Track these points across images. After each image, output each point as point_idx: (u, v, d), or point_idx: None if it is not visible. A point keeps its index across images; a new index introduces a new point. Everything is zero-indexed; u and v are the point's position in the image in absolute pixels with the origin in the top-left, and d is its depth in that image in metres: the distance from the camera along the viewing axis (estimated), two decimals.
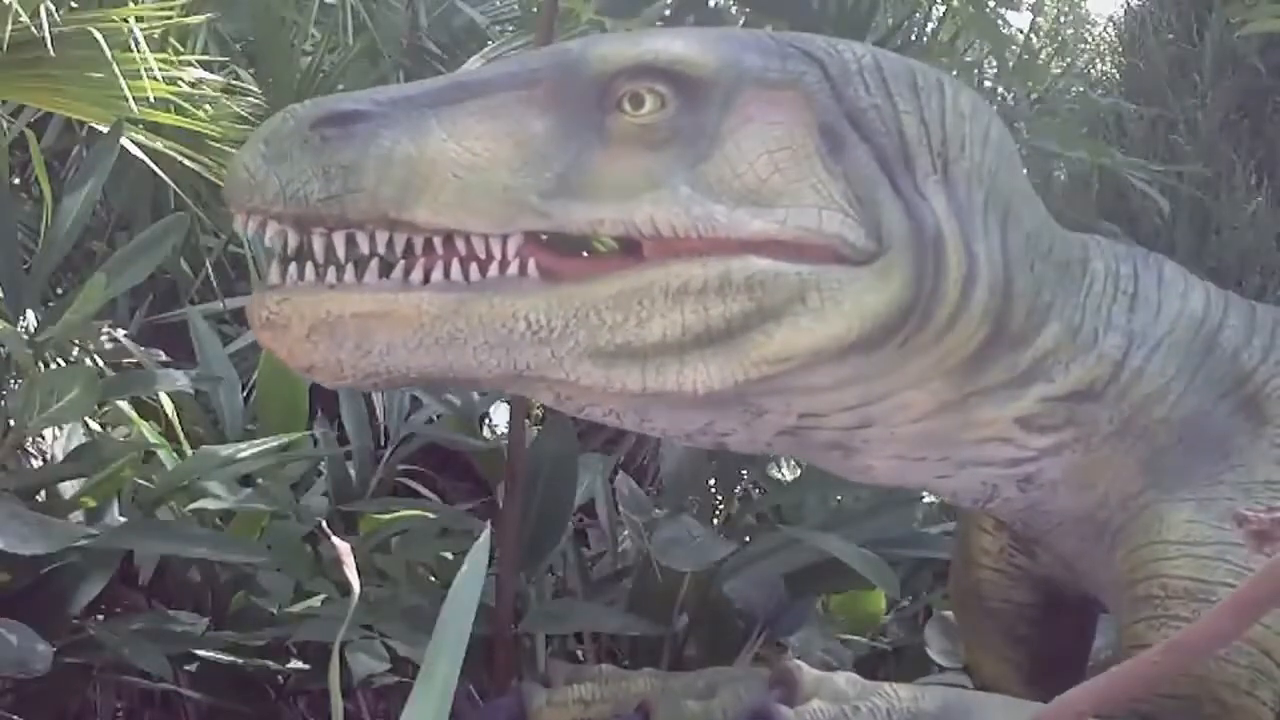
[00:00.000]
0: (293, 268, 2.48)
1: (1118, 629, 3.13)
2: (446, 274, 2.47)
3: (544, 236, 2.51)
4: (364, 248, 2.45)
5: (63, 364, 4.26)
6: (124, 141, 4.84)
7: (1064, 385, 2.91)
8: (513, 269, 2.48)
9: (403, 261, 2.47)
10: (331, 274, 2.46)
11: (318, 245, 2.45)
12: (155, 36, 5.45)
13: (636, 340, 2.51)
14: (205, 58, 6.07)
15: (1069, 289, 2.94)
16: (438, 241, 2.47)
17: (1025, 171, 3.22)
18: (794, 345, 2.55)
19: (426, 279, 2.47)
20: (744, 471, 4.95)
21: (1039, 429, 2.92)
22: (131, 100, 4.77)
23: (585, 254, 2.61)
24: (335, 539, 2.04)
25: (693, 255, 2.51)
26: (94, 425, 4.25)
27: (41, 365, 4.03)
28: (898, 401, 2.77)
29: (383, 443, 4.83)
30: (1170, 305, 3.09)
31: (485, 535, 1.90)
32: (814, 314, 2.55)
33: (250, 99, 5.94)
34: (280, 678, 4.15)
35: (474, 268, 2.47)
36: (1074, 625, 3.60)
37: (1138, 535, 2.99)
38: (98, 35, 4.75)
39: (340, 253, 2.45)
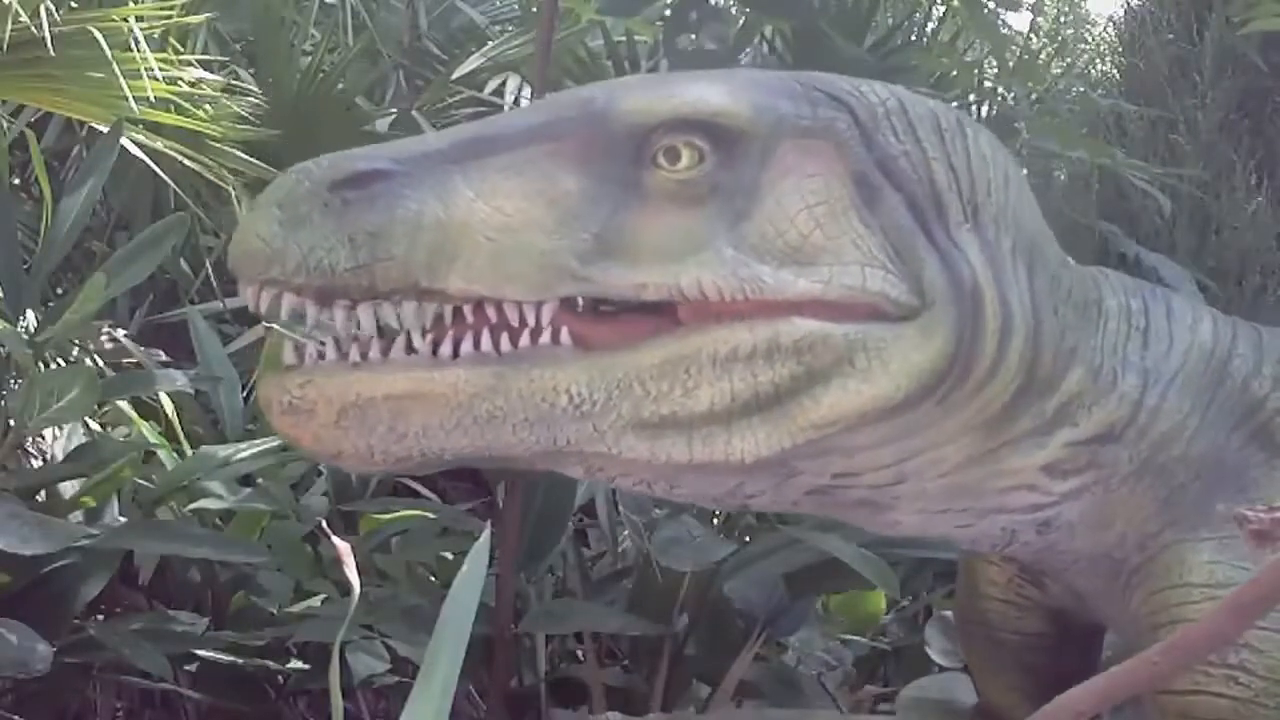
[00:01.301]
0: (312, 346, 2.32)
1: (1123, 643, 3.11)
2: (476, 345, 2.31)
3: (579, 301, 2.37)
4: (391, 320, 2.29)
5: (63, 364, 4.27)
6: (124, 141, 4.84)
7: (1087, 429, 2.84)
8: (545, 337, 2.33)
9: (430, 334, 2.31)
10: (355, 351, 2.30)
11: (340, 319, 2.27)
12: (155, 36, 5.45)
13: (683, 410, 2.38)
14: (205, 57, 6.08)
15: (1087, 330, 2.88)
16: (468, 310, 2.31)
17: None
18: (842, 409, 2.45)
19: (455, 352, 2.32)
20: None
21: (1062, 474, 2.85)
22: (131, 100, 4.78)
23: (604, 310, 2.42)
24: (335, 539, 2.03)
25: (733, 317, 2.40)
26: (94, 425, 4.25)
27: (41, 365, 4.03)
28: (932, 457, 2.68)
29: None
30: (1181, 339, 3.04)
31: (485, 535, 1.89)
32: (861, 375, 2.45)
33: (250, 99, 5.94)
34: (280, 678, 4.15)
35: (505, 337, 2.32)
36: (1083, 651, 3.58)
37: (1158, 577, 2.94)
38: (98, 35, 4.75)
39: (368, 327, 2.28)
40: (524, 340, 2.32)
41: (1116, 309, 2.96)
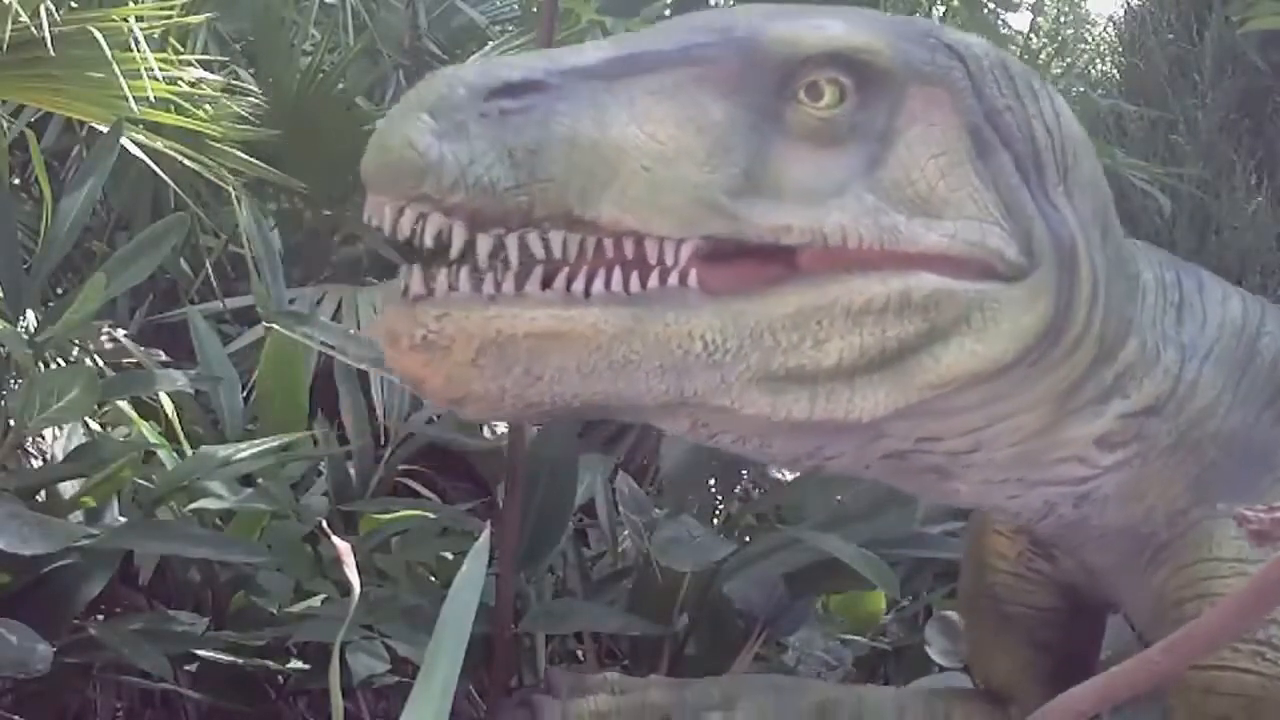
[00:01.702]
0: (443, 277, 2.14)
1: (1136, 635, 3.11)
2: (607, 285, 2.19)
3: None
4: (538, 251, 2.14)
5: (63, 364, 4.27)
6: (124, 141, 4.84)
7: (1138, 401, 2.85)
8: (674, 279, 2.22)
9: (566, 269, 2.18)
10: (490, 284, 2.14)
11: (485, 248, 2.11)
12: (155, 36, 5.45)
13: (810, 364, 2.30)
14: (205, 57, 6.07)
15: (1134, 302, 2.88)
16: (608, 245, 2.19)
17: None
18: (958, 369, 2.42)
19: (586, 291, 2.18)
20: (744, 471, 4.94)
21: (1111, 446, 2.85)
22: (131, 100, 4.77)
23: (723, 253, 2.32)
24: (335, 539, 2.03)
25: (860, 268, 2.34)
26: (94, 425, 4.25)
27: (41, 365, 4.03)
28: (1011, 425, 2.67)
29: (383, 442, 4.83)
30: (1214, 314, 3.04)
31: (485, 535, 1.89)
32: (976, 335, 2.42)
33: (250, 99, 5.94)
34: (280, 678, 4.15)
35: (635, 277, 2.21)
36: (1089, 628, 3.57)
37: (1186, 553, 2.94)
38: (98, 35, 4.75)
39: (513, 259, 2.13)
40: (653, 281, 2.22)
41: (1153, 282, 2.96)
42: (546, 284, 2.17)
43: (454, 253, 2.10)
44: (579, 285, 2.17)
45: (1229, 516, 2.89)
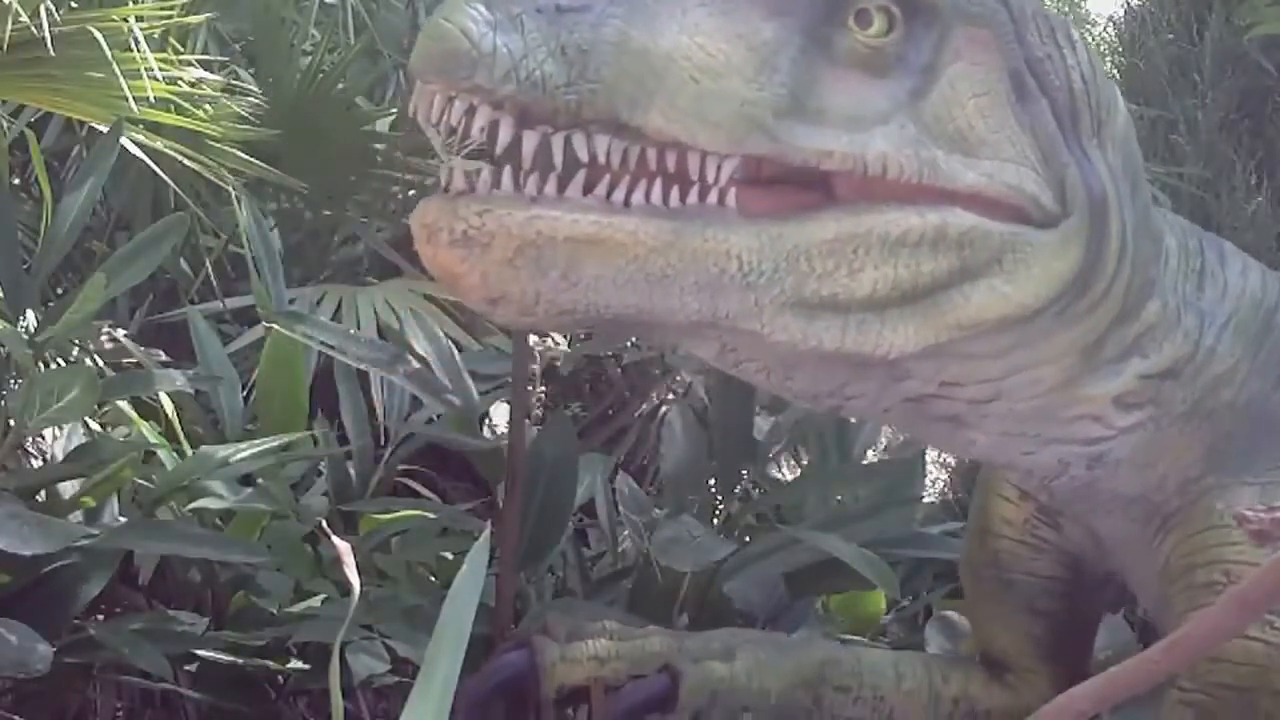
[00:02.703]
0: (486, 173, 2.14)
1: (1136, 635, 3.11)
2: (647, 197, 2.19)
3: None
4: (582, 154, 2.12)
5: (63, 364, 4.27)
6: (124, 141, 4.84)
7: (1157, 363, 2.87)
8: (713, 197, 2.22)
9: (608, 177, 2.17)
10: (533, 184, 2.13)
11: (531, 145, 2.09)
12: (155, 36, 5.45)
13: (844, 293, 2.31)
14: (205, 57, 6.08)
15: (1158, 264, 2.89)
16: (651, 156, 2.18)
17: None
18: (987, 310, 2.44)
19: (627, 201, 2.18)
20: (744, 471, 4.94)
21: (1127, 407, 2.87)
22: (131, 100, 4.77)
23: (759, 178, 2.32)
24: (335, 539, 2.03)
25: (897, 200, 2.35)
26: (94, 425, 4.25)
27: (41, 365, 4.03)
28: (1032, 376, 2.68)
29: (383, 442, 4.82)
30: (1234, 284, 3.06)
31: (485, 535, 1.89)
32: (1007, 277, 2.43)
33: (250, 99, 5.94)
34: (280, 678, 4.14)
35: (675, 192, 2.21)
36: (1092, 600, 3.57)
37: (1197, 519, 2.96)
38: (98, 35, 4.75)
39: (558, 159, 2.12)
40: (693, 197, 2.21)
41: (1177, 248, 2.98)
42: (587, 191, 2.16)
43: (500, 147, 2.09)
44: (619, 195, 2.17)
45: (1241, 484, 2.92)
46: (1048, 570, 3.48)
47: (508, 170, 2.13)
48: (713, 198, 2.21)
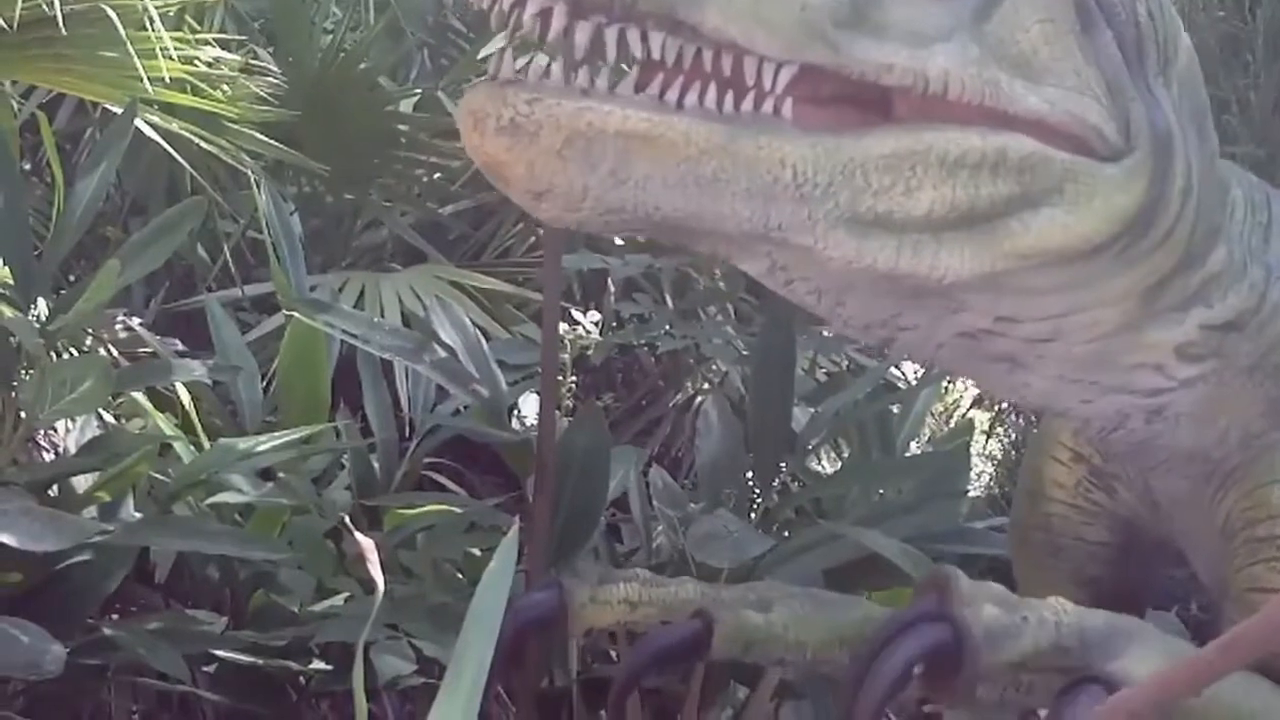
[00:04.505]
0: (538, 62, 2.10)
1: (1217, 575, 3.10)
2: (700, 101, 2.14)
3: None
4: (636, 49, 2.08)
5: (75, 353, 4.27)
6: (138, 123, 4.83)
7: (1220, 313, 2.81)
8: (768, 106, 2.18)
9: (661, 75, 2.13)
10: (584, 76, 2.09)
11: (583, 36, 2.06)
12: (171, 14, 5.46)
13: (900, 211, 2.28)
14: (222, 36, 6.08)
15: (1223, 213, 2.86)
16: (707, 56, 2.13)
17: None
18: (1046, 241, 2.40)
19: (680, 103, 2.14)
20: (782, 464, 4.92)
21: (1189, 358, 2.80)
22: (146, 80, 4.77)
23: (816, 95, 2.27)
24: (358, 535, 2.03)
25: (957, 121, 2.32)
26: (108, 417, 4.25)
27: (53, 355, 4.03)
28: (1092, 317, 2.64)
29: (408, 435, 4.82)
30: None
31: (514, 531, 1.88)
32: (1068, 208, 2.40)
33: (269, 79, 5.94)
34: (302, 679, 4.15)
35: (729, 97, 2.16)
36: (1144, 568, 3.55)
37: (1259, 474, 2.94)
38: (111, 13, 4.75)
39: (610, 53, 2.08)
40: (747, 104, 2.18)
41: (1243, 199, 2.96)
42: (640, 90, 2.13)
43: (552, 35, 2.05)
44: (672, 95, 2.14)
45: None
46: (1099, 536, 3.46)
47: (558, 61, 2.09)
48: (768, 106, 2.18)
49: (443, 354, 4.34)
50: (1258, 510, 2.92)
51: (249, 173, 5.41)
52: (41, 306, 4.16)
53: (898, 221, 2.29)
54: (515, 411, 5.64)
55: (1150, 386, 2.82)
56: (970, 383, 8.80)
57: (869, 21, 2.24)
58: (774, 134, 2.18)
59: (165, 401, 4.43)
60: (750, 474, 4.92)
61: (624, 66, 2.12)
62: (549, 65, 2.08)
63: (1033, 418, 6.98)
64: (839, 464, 6.29)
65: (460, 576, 4.39)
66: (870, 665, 2.58)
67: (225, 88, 5.51)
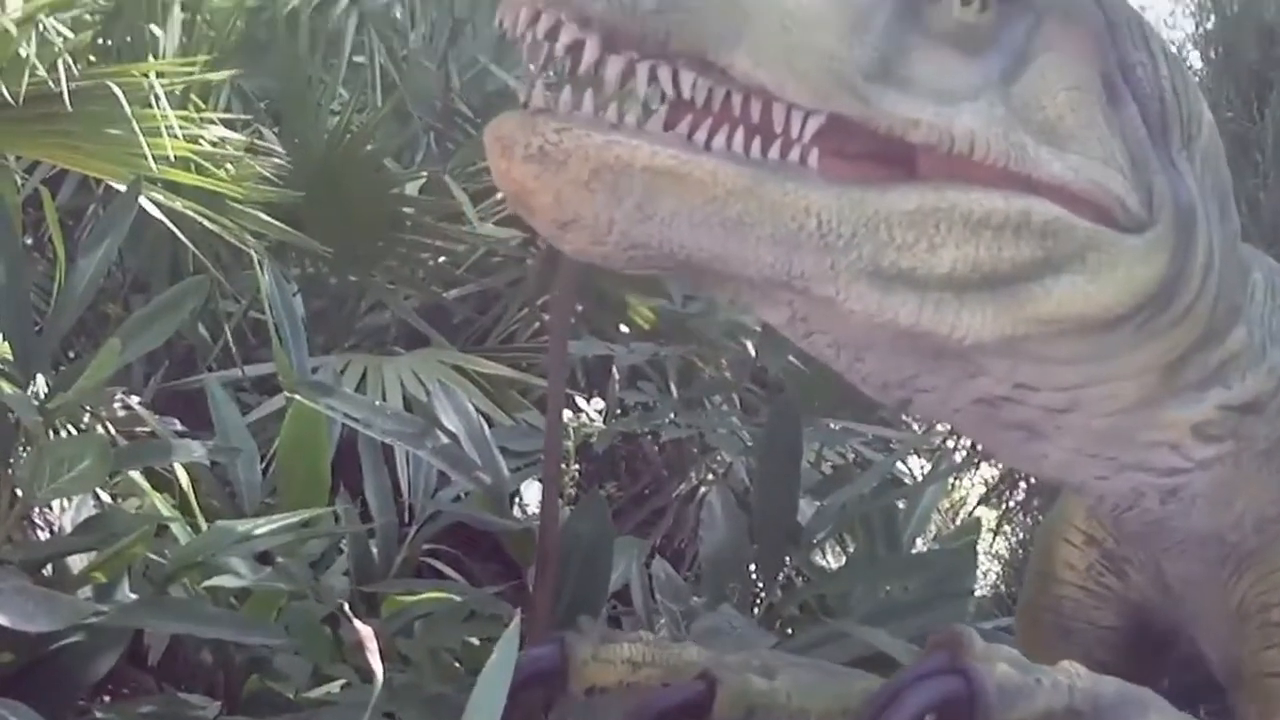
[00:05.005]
0: (568, 93, 2.15)
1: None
2: (729, 143, 2.19)
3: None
4: (667, 87, 2.14)
5: (74, 431, 4.26)
6: (142, 201, 4.85)
7: (1239, 394, 2.85)
8: (795, 154, 2.23)
9: (690, 116, 2.18)
10: (613, 111, 2.15)
11: (615, 71, 2.11)
12: (176, 93, 5.48)
13: (923, 267, 2.32)
14: (228, 115, 6.12)
15: (1244, 294, 2.90)
16: (736, 100, 2.19)
17: None
18: (1067, 307, 2.43)
19: (707, 144, 2.19)
20: (787, 558, 4.91)
21: (1206, 438, 2.84)
22: (151, 158, 4.79)
23: (842, 150, 2.33)
24: (356, 621, 2.02)
25: (981, 183, 2.36)
26: (104, 496, 4.24)
27: (52, 433, 4.01)
28: (1110, 390, 2.67)
29: (407, 520, 4.81)
30: None
31: (515, 621, 1.87)
32: (1090, 277, 2.43)
33: (274, 159, 5.96)
34: None
35: (757, 142, 2.22)
36: (1155, 655, 3.55)
37: (1275, 559, 2.97)
38: (117, 90, 4.78)
39: (641, 89, 2.13)
40: (774, 151, 2.23)
41: (1263, 282, 3.00)
42: (668, 128, 2.17)
43: (584, 68, 2.10)
44: (700, 136, 2.18)
45: None
46: (1109, 620, 3.48)
47: (589, 93, 2.14)
48: (795, 154, 2.23)
49: (445, 440, 4.33)
50: (1273, 594, 2.94)
51: (252, 252, 5.42)
52: (40, 383, 4.15)
53: (920, 278, 2.32)
54: (517, 499, 5.64)
55: (1166, 465, 2.85)
56: (978, 480, 8.82)
57: (897, 76, 2.29)
58: (800, 182, 2.22)
59: (163, 481, 4.42)
60: (754, 567, 4.91)
61: (651, 106, 2.17)
62: (579, 97, 2.12)
63: (1039, 516, 6.98)
64: (844, 559, 6.28)
65: (459, 666, 4.37)
66: (882, 713, 2.58)
67: (230, 167, 5.53)
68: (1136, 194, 2.50)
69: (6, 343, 4.15)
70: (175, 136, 4.92)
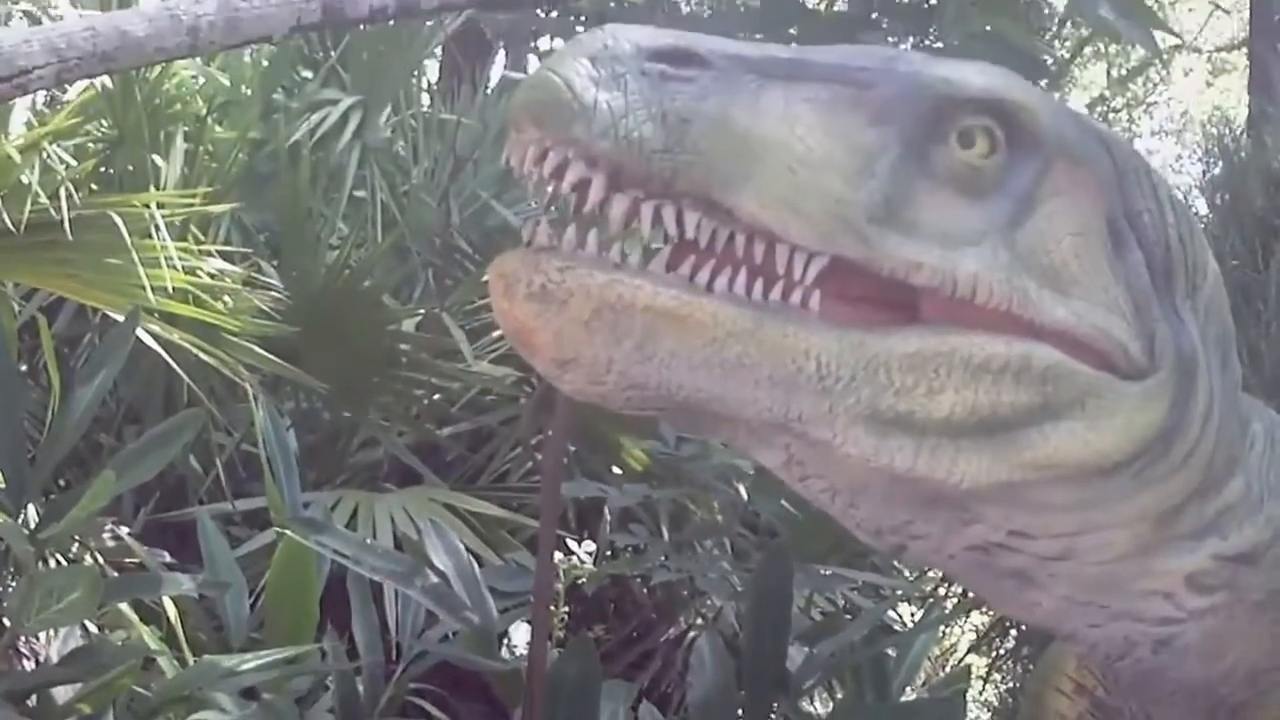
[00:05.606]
0: (571, 233, 2.14)
1: None
2: (731, 285, 2.19)
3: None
4: (671, 227, 2.13)
5: (63, 561, 4.27)
6: (139, 331, 4.87)
7: (1235, 544, 2.82)
8: (797, 296, 2.23)
9: (693, 257, 2.18)
10: (616, 252, 2.14)
11: (619, 210, 2.11)
12: (176, 224, 5.52)
13: (921, 412, 2.31)
14: (227, 248, 6.15)
15: (1243, 445, 2.89)
16: (739, 242, 2.20)
17: None
18: (1064, 454, 2.42)
19: (710, 286, 2.18)
20: (775, 704, 4.91)
21: (1200, 589, 2.81)
22: (149, 289, 4.82)
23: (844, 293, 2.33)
24: None
25: (982, 328, 2.36)
26: (91, 627, 4.25)
27: (41, 563, 4.03)
28: (1104, 538, 2.65)
29: (394, 658, 4.81)
30: None
31: None
32: (1089, 424, 2.43)
33: (272, 293, 6.00)
34: None
35: (759, 284, 2.21)
36: None
37: (1268, 711, 2.96)
38: (118, 220, 4.81)
39: (645, 228, 2.13)
40: (776, 293, 2.22)
41: (1263, 434, 2.99)
42: (671, 268, 2.18)
43: (590, 204, 2.11)
44: (703, 277, 2.18)
45: None
46: None
47: (593, 232, 2.14)
48: (796, 297, 2.23)
49: (434, 579, 4.35)
50: None
51: (247, 386, 5.45)
52: (31, 513, 4.18)
53: (918, 422, 2.32)
54: (505, 639, 5.64)
55: (1159, 615, 2.85)
56: (968, 627, 8.80)
57: (901, 219, 2.30)
58: (800, 324, 2.22)
59: (151, 613, 4.43)
60: (742, 713, 4.91)
61: (653, 246, 2.18)
62: (584, 235, 2.13)
63: (1030, 664, 6.97)
64: (831, 706, 6.27)
65: None
66: None
67: (227, 299, 5.57)
68: (1139, 341, 2.51)
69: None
70: (174, 268, 4.96)
